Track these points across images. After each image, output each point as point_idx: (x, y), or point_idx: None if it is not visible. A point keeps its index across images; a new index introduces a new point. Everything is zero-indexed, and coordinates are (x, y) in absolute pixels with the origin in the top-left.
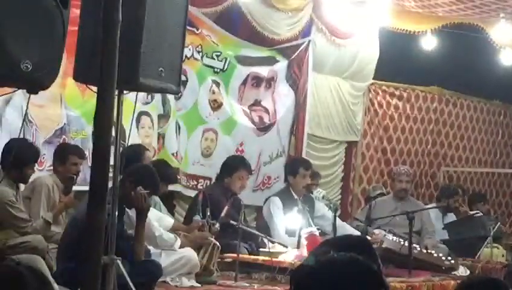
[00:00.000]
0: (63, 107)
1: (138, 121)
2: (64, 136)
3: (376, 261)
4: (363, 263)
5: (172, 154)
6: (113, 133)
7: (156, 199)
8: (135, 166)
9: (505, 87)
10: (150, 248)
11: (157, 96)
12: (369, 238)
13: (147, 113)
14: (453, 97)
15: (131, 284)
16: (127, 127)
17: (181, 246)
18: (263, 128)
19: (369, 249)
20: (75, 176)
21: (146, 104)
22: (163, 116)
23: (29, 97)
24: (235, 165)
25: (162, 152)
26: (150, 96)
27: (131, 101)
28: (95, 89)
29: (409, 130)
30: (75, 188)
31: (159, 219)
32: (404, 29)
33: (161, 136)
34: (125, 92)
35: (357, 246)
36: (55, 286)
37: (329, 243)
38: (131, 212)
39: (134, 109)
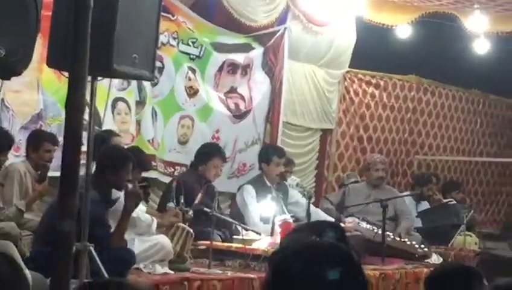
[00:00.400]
0: (39, 92)
1: (114, 107)
2: (41, 122)
3: (352, 248)
4: (344, 250)
5: (149, 140)
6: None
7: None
8: (105, 150)
9: (483, 76)
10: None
11: (134, 82)
12: (342, 225)
13: (123, 99)
14: (431, 86)
15: (104, 271)
16: (102, 113)
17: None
18: (239, 115)
19: (342, 236)
20: (48, 164)
21: (122, 90)
22: (140, 103)
23: (2, 83)
24: (210, 153)
25: (139, 138)
26: (126, 82)
27: (106, 87)
28: (67, 75)
29: (386, 118)
30: (49, 174)
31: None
32: (380, 23)
33: (137, 123)
34: (99, 78)
35: (332, 232)
36: (27, 271)
37: (304, 228)
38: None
39: (108, 95)
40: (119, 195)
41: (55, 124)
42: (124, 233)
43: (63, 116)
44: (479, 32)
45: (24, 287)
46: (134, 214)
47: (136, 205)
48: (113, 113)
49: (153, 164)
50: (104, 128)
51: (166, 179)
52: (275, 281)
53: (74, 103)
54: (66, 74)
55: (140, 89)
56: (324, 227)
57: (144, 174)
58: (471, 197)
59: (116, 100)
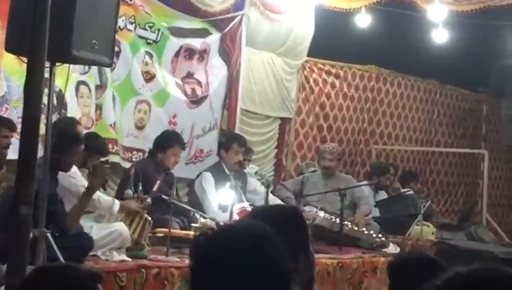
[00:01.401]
0: (2, 76)
1: (77, 90)
2: (6, 105)
3: (304, 228)
4: (259, 228)
5: (110, 125)
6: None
7: (86, 172)
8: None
9: (440, 66)
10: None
11: (94, 67)
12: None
13: (84, 83)
14: (390, 76)
15: (61, 257)
16: (66, 97)
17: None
18: (196, 100)
19: (295, 218)
20: (5, 152)
21: (84, 74)
22: (100, 87)
23: None
24: (169, 141)
25: (100, 123)
26: (87, 66)
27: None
28: (26, 60)
29: (346, 108)
30: (9, 157)
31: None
32: (338, 7)
33: (98, 107)
34: (57, 64)
35: (285, 214)
36: None
37: (255, 213)
38: (63, 180)
39: (67, 79)
40: None
41: (20, 107)
42: (84, 210)
43: None
44: (438, 20)
45: None
46: (95, 196)
47: (102, 183)
48: (76, 96)
49: (115, 148)
50: (68, 111)
51: (126, 164)
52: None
53: (32, 88)
54: (25, 59)
55: (101, 73)
56: (277, 210)
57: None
58: (428, 187)
59: (79, 84)
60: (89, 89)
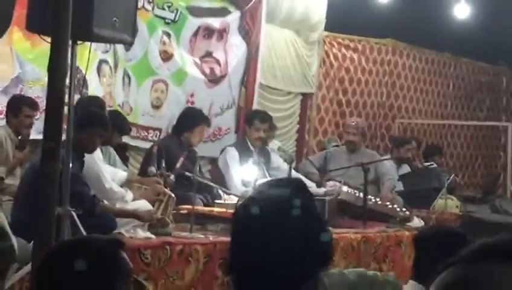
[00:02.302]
0: (15, 58)
1: (99, 69)
2: (21, 85)
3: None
4: (302, 202)
5: (119, 105)
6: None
7: (110, 150)
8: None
9: (456, 39)
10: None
11: (112, 46)
12: (324, 189)
13: (106, 62)
14: (406, 49)
15: (85, 233)
16: (88, 76)
17: (136, 199)
18: (214, 80)
19: (304, 191)
20: (28, 132)
21: (105, 53)
22: (113, 67)
23: None
24: (195, 119)
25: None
26: (108, 45)
27: (92, 50)
28: (48, 39)
29: (365, 82)
30: (31, 137)
31: (112, 174)
32: None
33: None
34: (79, 42)
35: (295, 187)
36: (14, 240)
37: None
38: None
39: (89, 58)
40: None
41: (37, 87)
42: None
43: (44, 79)
44: None
45: (12, 256)
46: (107, 185)
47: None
48: (99, 75)
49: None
50: (90, 91)
51: (140, 143)
52: (236, 240)
53: (56, 67)
54: (47, 38)
55: (114, 52)
56: (287, 182)
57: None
58: (447, 160)
59: (101, 62)
60: (110, 68)
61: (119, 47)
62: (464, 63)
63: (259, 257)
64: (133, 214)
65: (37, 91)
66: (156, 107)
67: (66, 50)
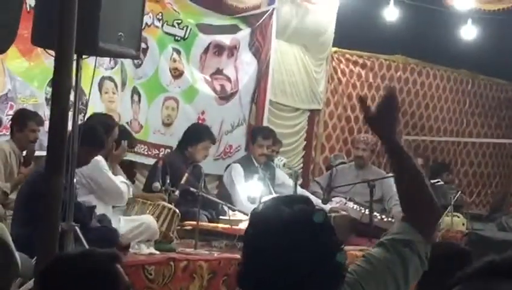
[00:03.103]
0: (6, 74)
1: (101, 86)
2: (11, 103)
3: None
4: (307, 214)
5: (127, 122)
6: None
7: (116, 166)
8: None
9: (471, 57)
10: (108, 215)
11: (119, 62)
12: (330, 206)
13: (110, 78)
14: (418, 66)
15: None
16: (88, 93)
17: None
18: (225, 97)
19: (309, 203)
20: (34, 147)
21: (110, 69)
22: (121, 85)
23: None
24: (200, 134)
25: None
26: (113, 62)
27: (91, 66)
28: (52, 53)
29: (372, 98)
30: (36, 154)
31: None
32: None
33: None
34: (84, 56)
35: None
36: (17, 255)
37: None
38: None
39: (94, 74)
40: None
41: (30, 104)
42: None
43: (38, 96)
44: (464, 13)
45: (15, 272)
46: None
47: None
48: (100, 92)
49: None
50: (90, 107)
51: (150, 161)
52: (248, 255)
53: (61, 82)
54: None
55: (121, 70)
56: (295, 200)
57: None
58: (460, 178)
59: (103, 79)
60: (115, 85)
61: (128, 65)
62: (481, 80)
63: (271, 273)
64: None
65: (29, 108)
66: (167, 124)
67: (70, 64)
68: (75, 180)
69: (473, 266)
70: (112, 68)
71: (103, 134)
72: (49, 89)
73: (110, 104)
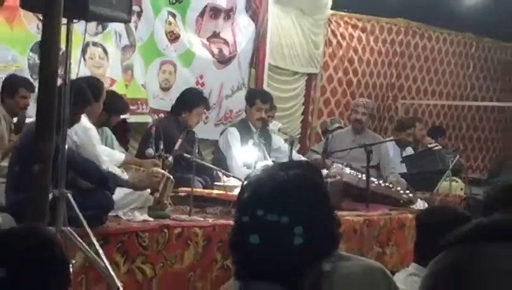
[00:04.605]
0: None
1: (84, 52)
2: None
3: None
4: (311, 182)
5: (142, 85)
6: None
7: (108, 131)
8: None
9: (475, 18)
10: None
11: (113, 26)
12: (327, 172)
13: (96, 44)
14: (420, 29)
15: (82, 217)
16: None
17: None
18: (223, 60)
19: (317, 171)
20: (25, 114)
21: (96, 35)
22: (130, 47)
23: None
24: (194, 100)
25: (132, 83)
26: (100, 26)
27: (77, 32)
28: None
29: (374, 62)
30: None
31: (109, 155)
32: None
33: (129, 68)
34: (74, 20)
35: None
36: None
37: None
38: (77, 138)
39: (84, 40)
40: None
41: (12, 70)
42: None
43: (21, 62)
44: None
45: None
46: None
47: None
48: (84, 58)
49: (147, 108)
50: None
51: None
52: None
53: (49, 47)
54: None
55: (128, 32)
56: (294, 164)
57: (137, 120)
58: (464, 143)
59: (87, 45)
60: (104, 50)
61: (133, 28)
62: (486, 42)
63: (263, 239)
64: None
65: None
66: (165, 89)
67: (59, 28)
68: (66, 146)
69: (461, 229)
70: (99, 33)
71: (86, 90)
72: (32, 55)
73: (96, 69)
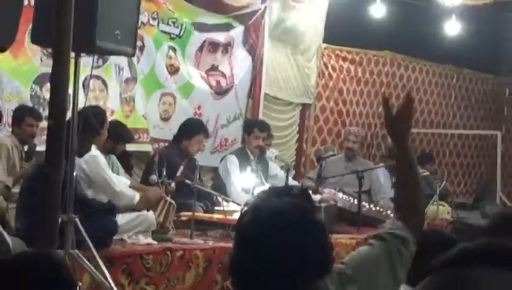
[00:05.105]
0: None
1: (84, 85)
2: None
3: (318, 210)
4: (305, 210)
5: (143, 115)
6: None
7: (114, 158)
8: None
9: (455, 51)
10: None
11: (118, 60)
12: (320, 197)
13: (96, 76)
14: (405, 61)
15: (89, 241)
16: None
17: (138, 206)
18: (220, 92)
19: (309, 199)
20: (33, 142)
21: (96, 68)
22: (131, 79)
23: None
24: (194, 129)
25: (134, 114)
26: (101, 60)
27: (82, 65)
28: (50, 51)
29: (360, 92)
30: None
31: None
32: None
33: (131, 99)
34: (82, 54)
35: (298, 194)
36: (6, 236)
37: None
38: (86, 165)
39: (91, 72)
40: None
41: (14, 101)
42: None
43: (24, 93)
44: (451, 8)
45: (4, 251)
46: (118, 189)
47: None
48: (84, 90)
49: (148, 137)
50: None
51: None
52: (239, 245)
53: (58, 79)
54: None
55: (130, 66)
56: (289, 190)
57: (138, 148)
58: (449, 169)
59: (89, 78)
60: (104, 83)
61: (135, 61)
62: (466, 74)
63: (261, 262)
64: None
65: (14, 104)
66: (165, 119)
67: (68, 61)
68: (75, 173)
69: (447, 254)
70: (99, 66)
71: (95, 120)
72: (35, 86)
73: (96, 101)
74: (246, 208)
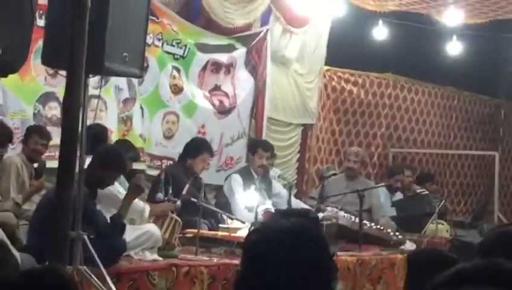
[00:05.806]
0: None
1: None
2: (1, 116)
3: (322, 231)
4: (311, 230)
5: (140, 135)
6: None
7: (122, 177)
8: (102, 148)
9: (456, 73)
10: None
11: (117, 81)
12: (322, 215)
13: (96, 97)
14: (407, 83)
15: (97, 258)
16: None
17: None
18: (223, 111)
19: (314, 220)
20: (43, 160)
21: (97, 89)
22: (130, 100)
23: None
24: (199, 148)
25: (131, 133)
26: (103, 81)
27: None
28: (62, 73)
29: (362, 114)
30: (49, 165)
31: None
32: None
33: (129, 119)
34: (90, 76)
35: (303, 216)
36: (15, 251)
37: (277, 214)
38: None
39: (100, 93)
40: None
41: (18, 118)
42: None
43: (27, 111)
44: (452, 28)
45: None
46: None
47: (138, 196)
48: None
49: (143, 157)
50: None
51: (153, 172)
52: (246, 263)
53: (71, 100)
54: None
55: (130, 86)
56: (295, 212)
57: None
58: (449, 188)
59: (89, 98)
60: (104, 103)
61: (134, 82)
62: (466, 96)
63: (268, 279)
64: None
65: (17, 122)
66: (168, 137)
67: (81, 83)
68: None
69: (445, 273)
70: (99, 87)
71: (126, 160)
72: (38, 105)
73: (97, 121)
74: (253, 227)
